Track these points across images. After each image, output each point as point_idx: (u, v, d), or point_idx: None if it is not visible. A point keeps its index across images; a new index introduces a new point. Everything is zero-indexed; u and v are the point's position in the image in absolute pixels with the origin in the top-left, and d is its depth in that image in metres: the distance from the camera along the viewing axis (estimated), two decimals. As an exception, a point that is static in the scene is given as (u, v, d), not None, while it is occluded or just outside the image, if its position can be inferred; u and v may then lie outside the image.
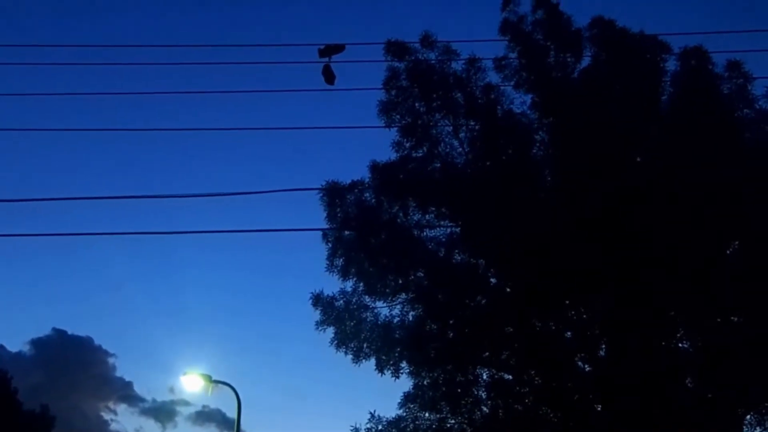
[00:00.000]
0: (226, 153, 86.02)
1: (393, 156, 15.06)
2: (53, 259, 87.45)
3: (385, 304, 14.87)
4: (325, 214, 14.87)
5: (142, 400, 64.93)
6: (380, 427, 13.76)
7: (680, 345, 13.91)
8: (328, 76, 13.48)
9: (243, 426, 22.21)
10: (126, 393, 65.19)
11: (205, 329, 69.40)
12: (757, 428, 13.19)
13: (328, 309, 14.91)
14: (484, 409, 13.77)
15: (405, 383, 14.23)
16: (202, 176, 71.50)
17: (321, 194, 14.84)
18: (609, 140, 13.56)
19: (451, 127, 15.04)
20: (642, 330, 12.79)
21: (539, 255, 13.07)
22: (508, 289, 14.47)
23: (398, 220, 14.68)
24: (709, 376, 12.94)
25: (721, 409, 12.82)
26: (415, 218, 14.79)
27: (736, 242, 13.80)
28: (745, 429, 13.19)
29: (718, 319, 13.26)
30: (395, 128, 15.10)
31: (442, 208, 14.67)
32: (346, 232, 14.83)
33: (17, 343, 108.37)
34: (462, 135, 15.03)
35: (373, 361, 14.59)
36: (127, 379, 73.75)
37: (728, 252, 13.88)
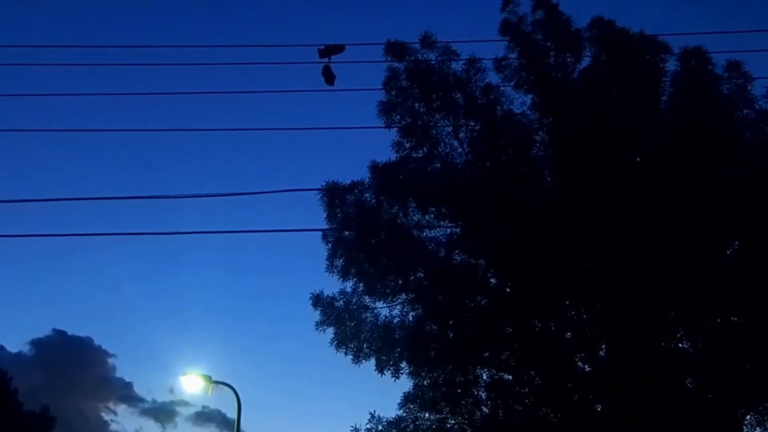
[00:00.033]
0: (226, 153, 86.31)
1: (393, 156, 15.09)
2: (53, 259, 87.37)
3: (385, 305, 14.87)
4: (325, 215, 14.89)
5: (142, 400, 65.18)
6: (380, 428, 13.75)
7: (680, 345, 13.90)
8: (328, 76, 13.51)
9: (243, 426, 22.27)
10: (126, 393, 65.40)
11: (205, 329, 69.71)
12: (757, 428, 13.18)
13: (328, 309, 14.90)
14: (484, 409, 13.78)
15: (405, 383, 14.26)
16: (203, 176, 71.62)
17: (321, 194, 14.84)
18: (609, 140, 13.56)
19: (451, 128, 15.03)
20: (642, 330, 12.78)
21: (539, 255, 13.07)
22: (508, 290, 14.45)
23: (398, 221, 14.67)
24: (709, 376, 12.95)
25: (721, 409, 12.82)
26: (415, 218, 14.77)
27: (736, 242, 13.81)
28: (745, 429, 13.18)
29: (718, 319, 13.26)
30: (395, 128, 15.11)
31: (442, 209, 14.66)
32: (346, 233, 14.82)
33: (17, 343, 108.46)
34: (462, 135, 15.04)
35: (373, 361, 14.58)
36: (127, 379, 74.22)
37: (728, 252, 13.88)
